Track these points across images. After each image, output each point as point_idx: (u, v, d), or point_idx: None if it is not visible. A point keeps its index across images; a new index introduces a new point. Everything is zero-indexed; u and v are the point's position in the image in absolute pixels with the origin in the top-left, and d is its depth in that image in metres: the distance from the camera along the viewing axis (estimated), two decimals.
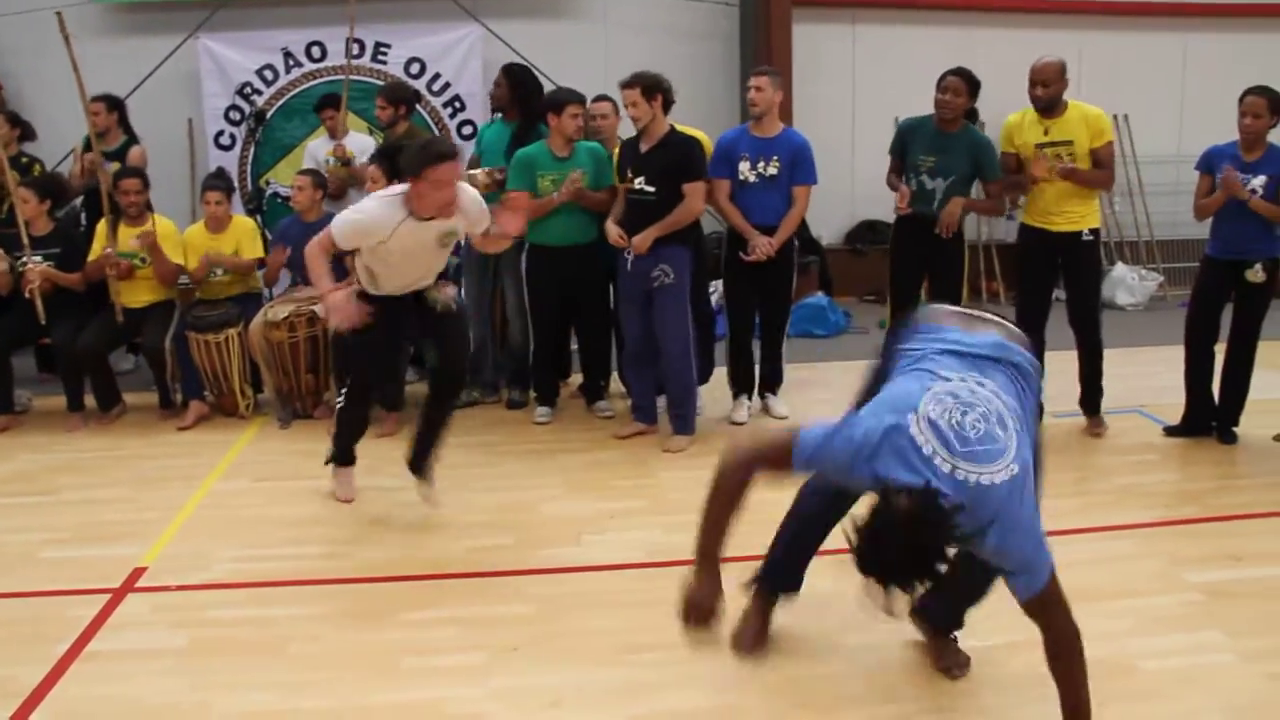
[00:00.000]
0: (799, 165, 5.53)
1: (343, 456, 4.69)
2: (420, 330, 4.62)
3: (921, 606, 3.01)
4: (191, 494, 4.79)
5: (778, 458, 2.48)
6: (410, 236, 4.10)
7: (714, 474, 2.55)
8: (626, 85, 5.26)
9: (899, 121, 5.69)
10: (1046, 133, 5.22)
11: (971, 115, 5.49)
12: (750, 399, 5.88)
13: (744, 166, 5.52)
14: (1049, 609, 2.46)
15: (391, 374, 5.54)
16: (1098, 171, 5.26)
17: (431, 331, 4.54)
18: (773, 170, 5.49)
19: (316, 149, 6.91)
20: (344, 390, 4.59)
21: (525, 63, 6.65)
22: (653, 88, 5.25)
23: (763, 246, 5.42)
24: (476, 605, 3.65)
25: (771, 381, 5.94)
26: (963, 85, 5.28)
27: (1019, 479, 2.37)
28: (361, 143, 6.87)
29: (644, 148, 5.30)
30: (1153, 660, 3.18)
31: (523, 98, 5.97)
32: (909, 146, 5.46)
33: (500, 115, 6.19)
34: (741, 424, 5.75)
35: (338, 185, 6.52)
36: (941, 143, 5.36)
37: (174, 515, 4.51)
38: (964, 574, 2.64)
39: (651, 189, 5.27)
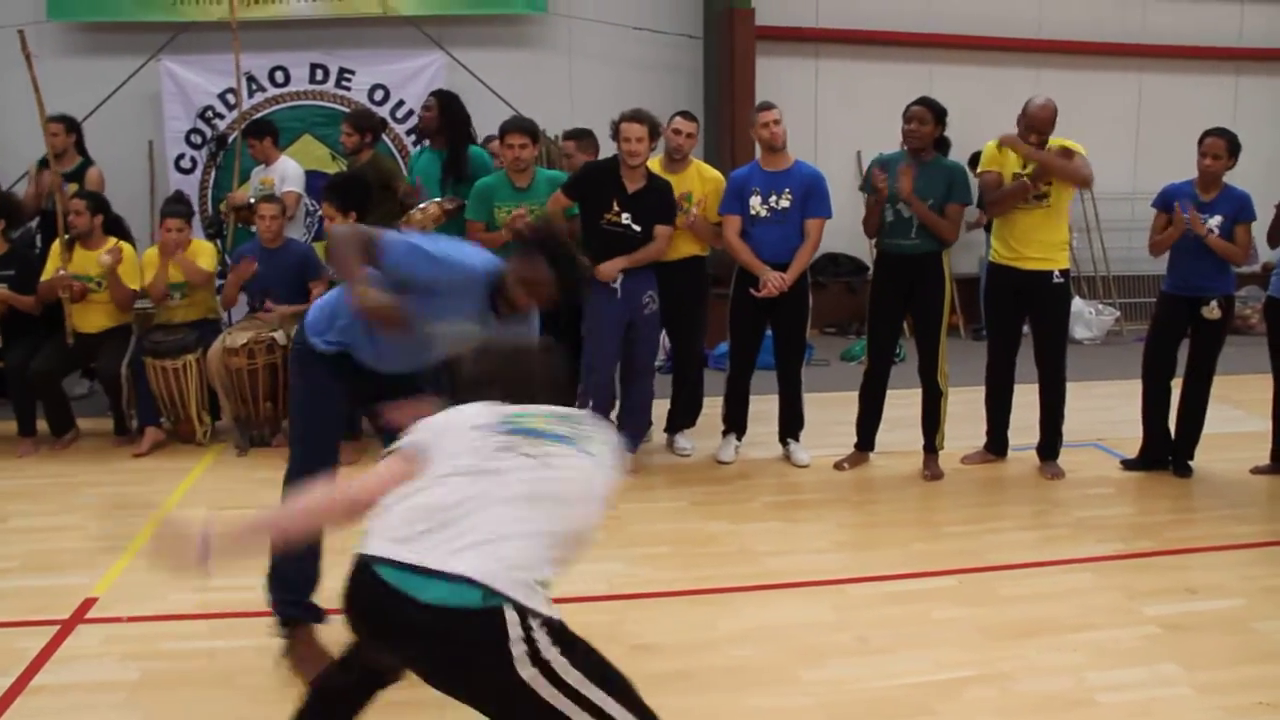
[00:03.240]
0: (812, 197, 5.43)
1: None
2: None
3: None
4: (146, 522, 4.70)
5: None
6: None
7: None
8: (634, 120, 5.23)
9: (877, 157, 5.49)
10: (1025, 166, 5.17)
11: (943, 145, 5.44)
12: (739, 439, 5.70)
13: (755, 201, 5.41)
14: None
15: None
16: (1064, 162, 5.07)
17: None
18: (785, 203, 5.39)
19: (255, 176, 6.85)
20: None
21: (493, 92, 6.64)
22: (656, 130, 5.31)
23: (774, 281, 5.27)
24: None
25: (793, 427, 5.64)
26: (928, 114, 5.21)
27: None
28: (284, 169, 6.74)
29: (631, 187, 5.27)
30: (1110, 693, 3.20)
31: (448, 124, 5.95)
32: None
33: (427, 142, 6.15)
34: (728, 463, 5.58)
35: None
36: (916, 170, 5.24)
37: (127, 544, 4.43)
38: None
39: (639, 228, 5.28)
